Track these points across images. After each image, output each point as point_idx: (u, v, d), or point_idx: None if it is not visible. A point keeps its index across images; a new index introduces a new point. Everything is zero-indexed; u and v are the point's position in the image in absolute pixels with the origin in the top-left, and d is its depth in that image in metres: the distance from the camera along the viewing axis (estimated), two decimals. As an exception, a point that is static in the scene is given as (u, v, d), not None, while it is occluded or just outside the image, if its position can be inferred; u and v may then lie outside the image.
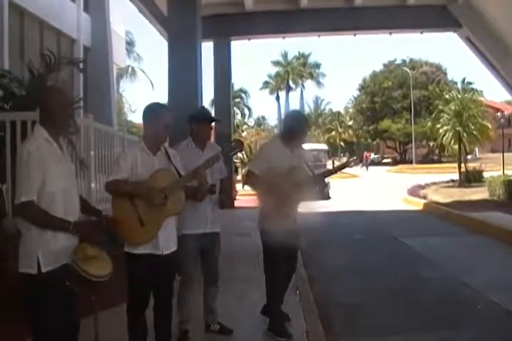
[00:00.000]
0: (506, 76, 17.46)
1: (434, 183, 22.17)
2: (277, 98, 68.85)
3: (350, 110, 63.46)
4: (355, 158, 5.00)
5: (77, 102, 6.82)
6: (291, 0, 16.21)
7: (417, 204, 15.64)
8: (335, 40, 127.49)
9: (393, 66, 55.25)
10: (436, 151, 50.27)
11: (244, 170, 24.47)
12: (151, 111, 3.45)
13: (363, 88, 55.98)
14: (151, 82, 43.93)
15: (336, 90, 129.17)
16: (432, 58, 69.37)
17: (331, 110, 73.10)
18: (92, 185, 6.32)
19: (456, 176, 21.30)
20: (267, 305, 4.44)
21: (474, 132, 20.55)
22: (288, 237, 4.05)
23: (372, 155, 56.16)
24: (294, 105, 65.77)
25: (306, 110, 67.55)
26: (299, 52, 67.91)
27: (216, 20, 15.64)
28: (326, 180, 4.63)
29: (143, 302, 3.36)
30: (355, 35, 18.83)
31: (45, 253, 2.63)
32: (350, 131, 63.03)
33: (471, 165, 22.29)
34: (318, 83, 68.82)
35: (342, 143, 64.75)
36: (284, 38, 19.08)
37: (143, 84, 49.70)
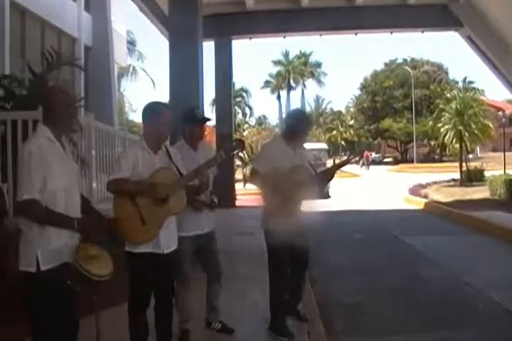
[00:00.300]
0: (508, 75, 17.44)
1: (435, 182, 22.15)
2: (278, 97, 68.96)
3: (351, 109, 63.44)
4: (353, 156, 5.00)
5: (78, 101, 6.83)
6: (292, -1, 16.22)
7: (418, 204, 15.64)
8: (336, 39, 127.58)
9: (394, 65, 55.16)
10: (438, 150, 50.25)
11: (245, 170, 24.51)
12: (151, 110, 3.45)
13: (364, 87, 55.92)
14: (153, 81, 43.99)
15: (337, 89, 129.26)
16: (433, 57, 69.67)
17: (332, 109, 73.19)
18: (94, 185, 6.33)
19: (457, 175, 21.27)
20: (271, 306, 4.38)
21: (476, 131, 20.52)
22: (293, 236, 4.05)
23: (373, 155, 56.12)
24: (295, 104, 65.84)
25: (307, 109, 67.56)
26: (300, 51, 68.04)
27: (217, 19, 15.64)
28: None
29: (144, 302, 3.36)
30: (356, 34, 18.79)
31: (45, 252, 2.63)
32: (352, 131, 63.01)
33: (472, 165, 22.25)
34: (320, 82, 68.92)
35: (343, 143, 64.74)
36: (285, 37, 19.10)
37: (144, 83, 49.80)
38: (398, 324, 4.88)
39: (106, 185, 3.43)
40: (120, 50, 17.74)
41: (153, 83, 44.02)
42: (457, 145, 21.26)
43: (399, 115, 52.09)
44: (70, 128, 2.92)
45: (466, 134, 20.44)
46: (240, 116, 48.98)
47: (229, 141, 3.87)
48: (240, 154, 22.92)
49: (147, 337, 3.40)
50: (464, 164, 21.14)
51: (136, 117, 40.87)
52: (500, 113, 27.16)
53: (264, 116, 71.64)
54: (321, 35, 18.79)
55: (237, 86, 48.53)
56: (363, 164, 45.88)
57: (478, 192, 16.18)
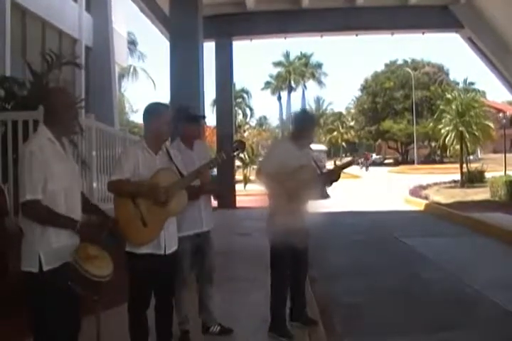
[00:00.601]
0: (508, 76, 17.45)
1: (436, 184, 22.13)
2: (279, 98, 68.99)
3: (352, 110, 63.45)
4: (357, 157, 5.00)
5: (79, 102, 6.83)
6: (292, 0, 16.22)
7: (418, 205, 15.63)
8: (336, 40, 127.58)
9: (395, 66, 55.17)
10: (438, 152, 50.18)
11: (245, 171, 24.53)
12: (152, 110, 3.45)
13: (364, 88, 55.93)
14: (153, 81, 44.07)
15: (338, 90, 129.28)
16: (433, 59, 69.57)
17: (332, 110, 73.18)
18: (94, 185, 6.34)
19: (457, 177, 21.26)
20: (271, 306, 4.38)
21: (476, 132, 20.52)
22: (298, 236, 4.05)
23: (374, 156, 56.11)
24: (296, 105, 65.96)
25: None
26: (301, 52, 68.04)
27: (218, 20, 15.66)
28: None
29: (144, 302, 3.36)
30: (356, 35, 18.83)
31: (47, 252, 2.63)
32: (352, 132, 63.01)
33: (473, 166, 22.25)
34: (320, 83, 68.91)
35: (344, 144, 64.74)
36: (285, 37, 19.09)
37: (145, 83, 49.90)
38: (398, 324, 4.88)
39: (107, 186, 3.43)
40: (121, 51, 17.77)
41: (154, 83, 44.23)
42: (458, 147, 21.27)
43: (399, 116, 52.10)
44: (71, 129, 2.90)
45: (467, 135, 20.44)
46: (240, 117, 49.09)
47: (229, 142, 3.86)
48: (241, 155, 22.93)
49: (147, 338, 3.40)
50: (464, 165, 21.14)
51: (137, 118, 41.02)
52: (500, 114, 27.13)
53: (265, 117, 71.85)
54: (321, 36, 18.81)
55: (238, 87, 48.71)
56: (363, 165, 45.87)
57: (479, 194, 16.18)
